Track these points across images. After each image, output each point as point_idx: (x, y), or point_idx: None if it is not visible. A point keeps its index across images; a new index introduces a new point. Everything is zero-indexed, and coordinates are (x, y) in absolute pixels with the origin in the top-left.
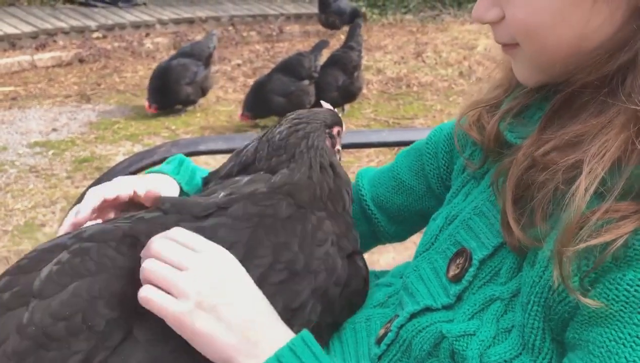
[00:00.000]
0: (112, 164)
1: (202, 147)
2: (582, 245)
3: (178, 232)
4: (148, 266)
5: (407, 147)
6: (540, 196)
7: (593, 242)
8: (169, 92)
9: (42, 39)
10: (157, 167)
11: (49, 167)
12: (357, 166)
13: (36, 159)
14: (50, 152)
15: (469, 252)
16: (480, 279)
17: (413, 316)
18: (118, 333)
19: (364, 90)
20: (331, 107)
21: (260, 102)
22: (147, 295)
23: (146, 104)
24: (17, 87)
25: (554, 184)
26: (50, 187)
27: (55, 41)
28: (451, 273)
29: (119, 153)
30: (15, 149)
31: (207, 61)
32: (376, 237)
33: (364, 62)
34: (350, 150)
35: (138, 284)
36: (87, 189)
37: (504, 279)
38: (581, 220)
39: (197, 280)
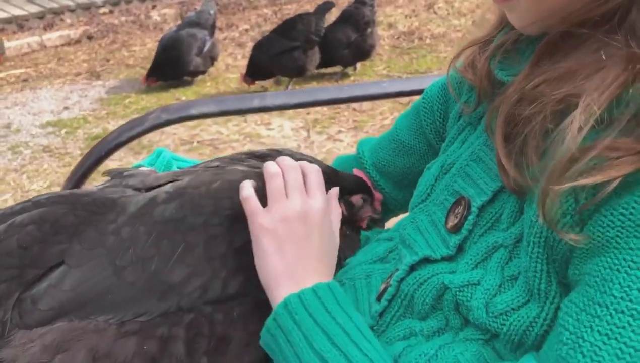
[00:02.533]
0: None
1: (193, 111)
2: (569, 185)
3: (309, 166)
4: (272, 170)
5: (407, 109)
6: (527, 131)
7: (582, 181)
8: (179, 64)
9: (49, 19)
10: (137, 163)
11: (62, 146)
12: (371, 125)
13: (49, 138)
14: (63, 131)
15: (467, 199)
16: (481, 227)
17: (413, 268)
18: (51, 257)
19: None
20: (363, 177)
21: (256, 64)
22: (249, 197)
23: (143, 77)
24: (28, 69)
25: (541, 118)
26: (64, 165)
27: (62, 20)
28: (450, 224)
29: None
30: (28, 130)
31: (211, 29)
32: (386, 207)
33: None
34: (364, 109)
35: (71, 220)
36: (81, 161)
37: (506, 225)
38: (573, 157)
39: (292, 211)
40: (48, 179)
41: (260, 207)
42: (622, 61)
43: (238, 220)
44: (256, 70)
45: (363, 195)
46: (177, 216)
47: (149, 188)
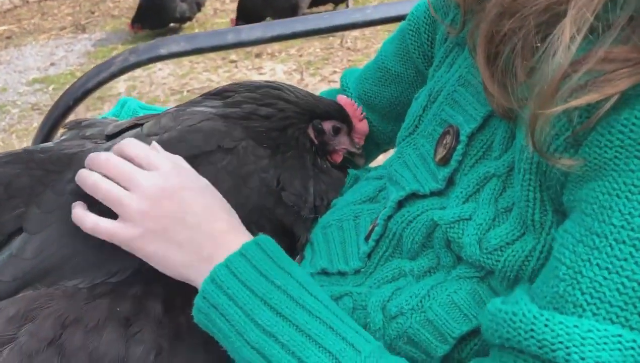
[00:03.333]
0: (114, 92)
1: (162, 51)
2: (561, 108)
3: (128, 145)
4: (91, 181)
5: (392, 34)
6: (509, 48)
7: (575, 103)
8: (164, 11)
9: None
10: (102, 115)
11: (50, 103)
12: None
13: (37, 96)
14: (51, 88)
15: (455, 128)
16: (471, 157)
17: (401, 205)
18: (8, 224)
19: None
20: (346, 104)
21: (246, 8)
22: (94, 223)
23: (129, 25)
24: (11, 26)
25: (523, 33)
26: None
27: None
28: (438, 156)
29: (120, 80)
30: (15, 89)
31: None
32: (374, 141)
33: None
34: (358, 47)
35: (26, 181)
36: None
37: (498, 152)
38: (565, 74)
39: (144, 202)
40: None
41: (112, 225)
42: None
43: (198, 161)
44: (247, 14)
45: (336, 123)
46: None
47: (109, 138)
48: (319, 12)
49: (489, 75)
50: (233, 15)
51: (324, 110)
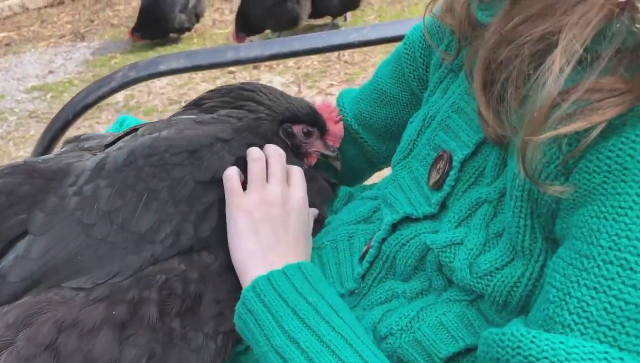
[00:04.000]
0: (112, 101)
1: (162, 67)
2: (549, 134)
3: (297, 170)
4: (257, 155)
5: (389, 56)
6: (505, 76)
7: (563, 130)
8: (163, 22)
9: None
10: (106, 130)
11: (48, 111)
12: (363, 78)
13: (35, 103)
14: (49, 95)
15: (449, 153)
16: (463, 182)
17: (395, 228)
18: (11, 230)
19: None
20: (323, 109)
21: (247, 19)
22: (232, 177)
23: (129, 32)
24: (10, 32)
25: (518, 61)
26: None
27: None
28: (432, 180)
29: None
30: (13, 96)
31: None
32: (369, 161)
33: None
34: (356, 61)
35: (28, 189)
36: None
37: (490, 178)
38: (555, 103)
39: (271, 195)
40: (35, 145)
41: (240, 188)
42: None
43: (200, 154)
44: (248, 25)
45: (306, 127)
46: (130, 159)
47: (107, 148)
48: (317, 24)
49: (485, 102)
50: (232, 26)
51: (293, 113)
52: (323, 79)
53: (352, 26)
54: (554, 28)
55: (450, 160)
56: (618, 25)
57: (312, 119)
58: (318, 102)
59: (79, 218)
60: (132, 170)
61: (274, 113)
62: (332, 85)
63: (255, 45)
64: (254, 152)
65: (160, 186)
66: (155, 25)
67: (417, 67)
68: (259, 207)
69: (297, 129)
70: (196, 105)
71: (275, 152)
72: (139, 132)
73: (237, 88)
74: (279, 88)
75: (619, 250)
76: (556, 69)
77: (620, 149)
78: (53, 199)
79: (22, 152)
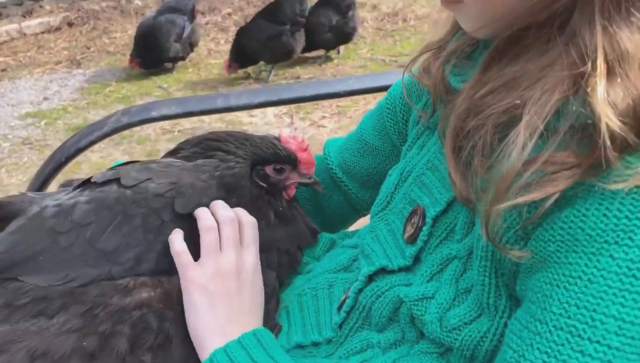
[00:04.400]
0: None
1: (154, 113)
2: (508, 204)
3: (246, 218)
4: (208, 224)
5: (372, 108)
6: (471, 144)
7: (520, 199)
8: (158, 51)
9: (28, 5)
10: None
11: (42, 138)
12: (354, 110)
13: (29, 130)
14: (43, 122)
15: (422, 209)
16: (436, 237)
17: (371, 279)
18: None
19: (359, 29)
20: (290, 134)
21: (242, 50)
22: (181, 252)
23: (128, 59)
24: (7, 58)
25: (484, 131)
26: (44, 158)
27: (41, 6)
28: (407, 234)
29: None
30: (7, 122)
31: (191, 14)
32: (353, 207)
33: None
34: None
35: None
36: (41, 167)
37: (460, 236)
38: (518, 173)
39: (225, 267)
40: (27, 172)
41: (192, 261)
42: (562, 69)
43: (178, 189)
44: (243, 56)
45: (277, 165)
46: (112, 179)
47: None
48: (311, 56)
49: (454, 166)
50: (227, 56)
51: (260, 156)
52: (315, 111)
53: (345, 59)
54: (518, 101)
55: (424, 216)
56: (572, 104)
57: (280, 156)
58: (283, 135)
59: (52, 225)
60: (113, 193)
61: (242, 160)
62: (324, 117)
63: (244, 93)
64: (204, 221)
65: (136, 212)
66: (151, 55)
67: (397, 121)
68: (213, 279)
69: (269, 170)
70: (172, 153)
71: (226, 218)
72: (128, 165)
73: (205, 139)
74: (272, 119)
75: (569, 317)
76: (520, 143)
77: (572, 221)
78: (35, 207)
79: (14, 179)
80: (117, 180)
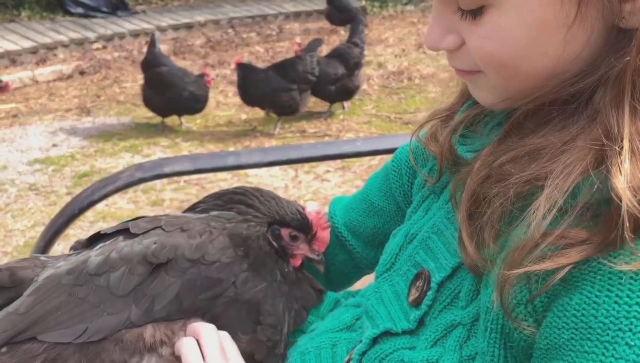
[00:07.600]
0: (113, 169)
1: (167, 169)
2: (523, 270)
3: (226, 338)
4: (185, 348)
5: (378, 169)
6: (489, 212)
7: (534, 267)
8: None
9: (42, 53)
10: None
11: (48, 184)
12: (359, 166)
13: (36, 176)
14: (50, 169)
15: (427, 273)
16: (440, 302)
17: (375, 341)
18: None
19: (365, 86)
20: (315, 209)
21: (244, 87)
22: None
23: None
24: (19, 104)
25: (504, 199)
26: (49, 204)
27: (55, 55)
28: (411, 297)
29: (119, 165)
30: (15, 168)
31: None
32: (357, 266)
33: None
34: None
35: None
36: (53, 220)
37: (464, 302)
38: (536, 244)
39: None
40: (32, 218)
41: None
42: (584, 144)
43: (188, 233)
44: (242, 91)
45: (293, 232)
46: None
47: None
48: (316, 110)
49: (467, 230)
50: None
51: (282, 217)
52: (320, 164)
53: (351, 115)
54: (540, 173)
55: (429, 280)
56: (591, 181)
57: (300, 225)
58: (308, 208)
59: (67, 281)
60: (122, 241)
61: (262, 215)
62: (328, 171)
63: (255, 152)
64: (183, 345)
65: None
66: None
67: (403, 183)
68: None
69: (285, 232)
70: (192, 208)
71: (206, 336)
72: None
73: (229, 192)
74: (277, 171)
75: None
76: (540, 215)
77: (584, 309)
78: (48, 270)
79: (19, 225)
80: (125, 230)
